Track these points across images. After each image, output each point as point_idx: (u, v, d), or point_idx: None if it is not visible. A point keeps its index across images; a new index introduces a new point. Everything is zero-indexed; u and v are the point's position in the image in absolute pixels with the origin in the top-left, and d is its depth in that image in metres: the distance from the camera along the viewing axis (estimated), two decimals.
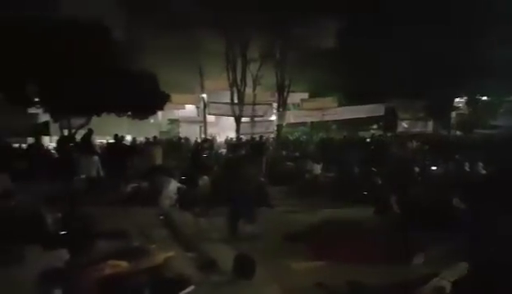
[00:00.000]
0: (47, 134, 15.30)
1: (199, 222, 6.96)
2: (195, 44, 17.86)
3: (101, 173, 10.73)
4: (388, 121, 20.05)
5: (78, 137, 12.67)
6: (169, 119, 24.23)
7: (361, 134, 21.37)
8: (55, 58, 9.34)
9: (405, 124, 19.51)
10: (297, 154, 15.13)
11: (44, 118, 14.87)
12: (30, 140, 14.66)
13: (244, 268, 4.22)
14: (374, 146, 15.58)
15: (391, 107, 19.51)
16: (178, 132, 21.99)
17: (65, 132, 12.39)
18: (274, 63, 20.10)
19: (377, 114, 20.28)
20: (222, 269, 4.41)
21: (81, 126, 12.19)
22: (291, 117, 21.15)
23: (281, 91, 20.83)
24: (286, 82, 20.66)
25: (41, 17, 10.48)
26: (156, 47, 17.12)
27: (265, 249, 5.50)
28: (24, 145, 14.10)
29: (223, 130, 23.15)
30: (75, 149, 11.14)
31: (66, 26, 9.97)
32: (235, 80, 19.86)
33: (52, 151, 14.30)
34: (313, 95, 22.52)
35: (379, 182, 9.19)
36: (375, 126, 23.73)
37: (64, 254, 4.34)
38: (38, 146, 14.71)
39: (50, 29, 9.68)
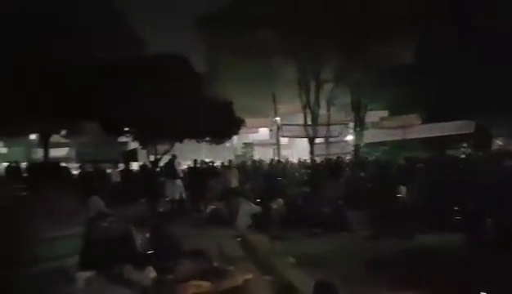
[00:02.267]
0: (135, 160, 16.70)
1: (275, 245, 6.92)
2: (268, 71, 18.32)
3: (184, 196, 11.31)
4: (480, 138, 18.30)
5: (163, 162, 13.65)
6: (244, 143, 25.01)
7: (450, 153, 19.70)
8: (142, 91, 10.25)
9: (499, 142, 17.64)
10: (378, 175, 14.38)
11: (133, 145, 16.35)
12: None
13: None
14: (465, 166, 14.18)
15: (481, 124, 17.83)
16: (252, 155, 22.51)
17: (151, 158, 13.36)
18: (349, 82, 19.71)
19: (466, 132, 18.66)
20: None
21: (165, 152, 13.08)
22: (369, 136, 20.38)
23: (358, 110, 20.28)
24: (363, 101, 20.08)
25: (131, 56, 11.64)
26: (232, 76, 17.91)
27: (346, 276, 5.24)
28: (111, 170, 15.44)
29: (297, 152, 23.15)
30: (161, 174, 11.93)
31: (151, 62, 10.95)
32: (308, 102, 19.86)
33: (140, 175, 15.54)
34: (393, 113, 21.56)
35: (473, 206, 8.32)
36: (464, 145, 21.78)
37: (151, 272, 4.61)
38: (128, 171, 16.14)
39: (138, 66, 10.71)
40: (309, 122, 19.70)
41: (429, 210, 8.60)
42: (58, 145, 19.65)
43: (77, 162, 16.09)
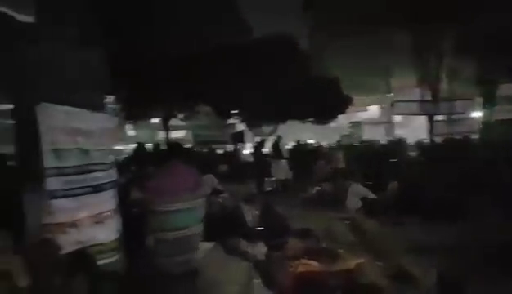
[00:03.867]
0: (242, 141, 17.51)
1: (387, 230, 6.56)
2: (379, 42, 17.08)
3: (289, 176, 11.47)
4: None
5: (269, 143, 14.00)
6: (351, 122, 24.01)
7: None
8: (248, 74, 10.54)
9: None
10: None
11: (240, 127, 17.14)
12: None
13: (449, 289, 3.68)
14: None
15: None
16: (361, 135, 21.51)
17: (257, 139, 13.78)
18: (475, 50, 17.13)
19: None
20: (420, 283, 3.97)
21: (270, 134, 13.37)
22: (501, 112, 17.62)
23: (486, 83, 17.55)
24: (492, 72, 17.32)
25: (239, 40, 12.01)
26: (339, 51, 17.21)
27: (466, 267, 4.64)
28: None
29: (412, 131, 21.30)
30: (267, 154, 12.27)
31: (258, 45, 11.14)
32: (426, 75, 17.88)
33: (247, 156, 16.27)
34: None
35: None
36: None
37: (262, 248, 4.79)
38: (236, 152, 17.03)
39: (245, 50, 11.00)
40: (427, 98, 17.76)
41: None
42: (176, 128, 21.70)
43: (193, 143, 17.58)
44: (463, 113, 17.31)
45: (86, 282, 2.80)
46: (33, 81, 3.61)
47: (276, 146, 12.06)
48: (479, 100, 18.07)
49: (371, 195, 7.94)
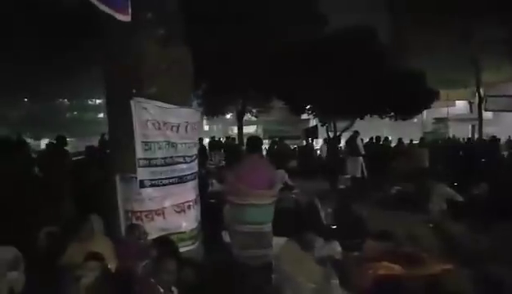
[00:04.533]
0: (316, 137, 17.23)
1: (476, 236, 5.98)
2: (467, 33, 15.62)
3: (365, 174, 11.02)
4: None
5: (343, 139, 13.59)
6: (435, 118, 22.23)
7: None
8: (324, 68, 10.29)
9: None
10: None
11: (313, 122, 16.89)
12: None
13: None
14: None
15: None
16: (446, 132, 19.81)
17: (331, 135, 13.43)
18: None
19: None
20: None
21: (345, 129, 12.94)
22: None
23: None
24: None
25: (316, 35, 11.80)
26: (422, 44, 16.08)
27: None
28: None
29: (505, 128, 19.15)
30: (342, 150, 11.90)
31: (335, 39, 10.82)
32: None
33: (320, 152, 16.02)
34: None
35: None
36: None
37: (337, 246, 4.66)
38: (309, 147, 16.84)
39: (322, 45, 10.76)
40: None
41: None
42: (248, 123, 22.13)
43: (264, 139, 17.76)
44: None
45: (171, 266, 2.97)
46: (127, 77, 3.91)
47: (352, 142, 11.59)
48: None
49: (458, 197, 7.29)
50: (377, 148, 12.43)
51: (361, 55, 9.92)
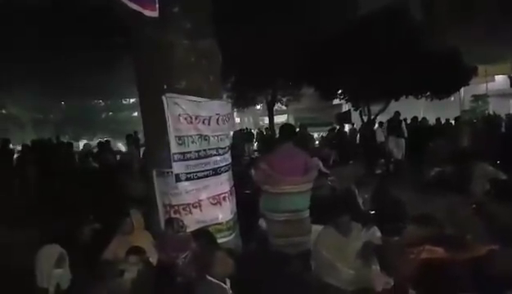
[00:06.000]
0: (349, 121, 16.86)
1: None
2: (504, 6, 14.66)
3: (405, 156, 10.72)
4: None
5: (378, 123, 13.23)
6: (473, 95, 21.14)
7: None
8: (355, 52, 10.01)
9: None
10: None
11: (345, 107, 16.52)
12: None
13: None
14: None
15: None
16: (486, 109, 18.82)
17: (365, 119, 13.12)
18: None
19: None
20: None
21: (380, 112, 12.60)
22: None
23: None
24: None
25: (346, 18, 11.41)
26: (458, 18, 15.24)
27: None
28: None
29: None
30: (383, 132, 11.56)
31: (366, 21, 10.48)
32: None
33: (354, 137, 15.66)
34: None
35: None
36: None
37: (376, 231, 4.57)
38: (342, 133, 16.52)
39: (352, 27, 10.46)
40: None
41: None
42: (278, 113, 21.95)
43: (296, 127, 17.54)
44: None
45: (210, 257, 3.02)
46: (158, 72, 3.99)
47: (395, 122, 11.18)
48: None
49: (502, 175, 6.93)
50: (415, 129, 12.00)
51: (393, 35, 9.59)
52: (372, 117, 12.94)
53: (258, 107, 24.17)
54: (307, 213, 4.50)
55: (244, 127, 19.66)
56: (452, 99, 19.50)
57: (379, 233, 4.47)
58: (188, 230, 3.83)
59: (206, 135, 4.06)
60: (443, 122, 14.24)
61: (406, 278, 3.35)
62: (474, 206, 6.15)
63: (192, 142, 3.96)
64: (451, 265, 3.37)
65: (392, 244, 3.88)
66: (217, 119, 4.15)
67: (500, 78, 20.10)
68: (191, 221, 3.94)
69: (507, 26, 15.63)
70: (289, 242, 4.37)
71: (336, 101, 15.85)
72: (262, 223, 4.88)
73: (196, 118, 3.99)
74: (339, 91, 12.62)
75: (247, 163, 8.99)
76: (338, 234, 3.79)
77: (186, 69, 4.04)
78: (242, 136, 15.56)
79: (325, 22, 11.22)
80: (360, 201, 5.96)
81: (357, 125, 15.76)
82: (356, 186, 6.43)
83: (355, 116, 15.13)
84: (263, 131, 17.63)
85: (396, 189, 6.70)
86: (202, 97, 4.05)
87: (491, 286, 3.25)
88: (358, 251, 3.63)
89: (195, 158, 3.99)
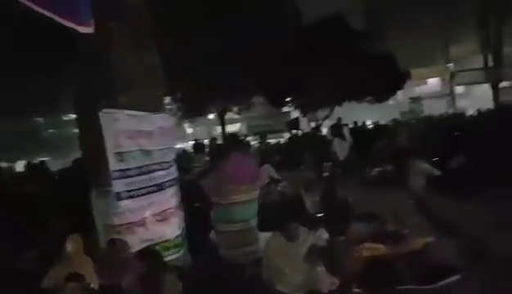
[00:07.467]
0: (297, 128, 17.32)
1: (458, 206, 6.15)
2: (436, 9, 15.82)
3: (350, 158, 11.17)
4: None
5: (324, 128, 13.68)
6: (410, 98, 22.66)
7: None
8: (301, 60, 10.34)
9: None
10: None
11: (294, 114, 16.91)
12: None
13: None
14: None
15: None
16: (422, 110, 20.22)
17: (312, 125, 13.57)
18: None
19: None
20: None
21: (326, 118, 13.08)
22: None
23: None
24: None
25: (291, 27, 11.70)
26: (392, 23, 16.20)
27: None
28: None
29: (476, 101, 19.71)
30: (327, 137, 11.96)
31: (309, 30, 10.85)
32: (487, 39, 16.35)
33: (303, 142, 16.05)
34: None
35: None
36: None
37: (323, 233, 4.72)
38: (293, 139, 16.90)
39: (297, 36, 10.76)
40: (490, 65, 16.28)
41: None
42: (231, 122, 22.00)
43: (248, 135, 17.74)
44: None
45: (157, 278, 2.95)
46: (95, 87, 3.84)
47: (337, 126, 11.64)
48: None
49: (436, 172, 7.46)
50: (357, 131, 12.58)
51: (333, 44, 10.03)
52: (319, 122, 13.41)
53: (211, 116, 24.10)
54: (255, 221, 4.54)
55: (194, 139, 19.40)
56: (391, 102, 20.77)
57: (326, 235, 4.61)
58: (132, 250, 3.69)
59: (149, 150, 3.96)
60: (384, 123, 15.03)
61: (351, 277, 3.49)
62: (411, 201, 6.58)
63: (133, 158, 3.82)
64: (391, 259, 3.57)
65: (337, 244, 4.02)
66: (160, 133, 4.08)
67: (432, 81, 21.68)
68: (136, 241, 3.78)
69: (439, 31, 16.90)
70: (241, 252, 4.38)
71: (286, 109, 16.23)
72: (213, 235, 4.86)
73: (138, 133, 3.89)
74: (288, 99, 12.94)
75: (198, 174, 8.90)
76: (285, 240, 3.84)
77: (128, 83, 3.92)
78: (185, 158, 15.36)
79: (268, 31, 11.48)
80: (308, 204, 6.13)
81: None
82: (305, 190, 6.62)
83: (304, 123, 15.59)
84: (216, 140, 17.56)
85: (342, 190, 6.96)
86: (145, 111, 3.96)
87: (429, 276, 3.47)
88: (304, 255, 3.71)
89: (137, 175, 3.85)
